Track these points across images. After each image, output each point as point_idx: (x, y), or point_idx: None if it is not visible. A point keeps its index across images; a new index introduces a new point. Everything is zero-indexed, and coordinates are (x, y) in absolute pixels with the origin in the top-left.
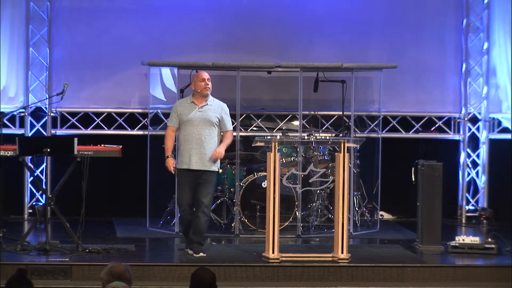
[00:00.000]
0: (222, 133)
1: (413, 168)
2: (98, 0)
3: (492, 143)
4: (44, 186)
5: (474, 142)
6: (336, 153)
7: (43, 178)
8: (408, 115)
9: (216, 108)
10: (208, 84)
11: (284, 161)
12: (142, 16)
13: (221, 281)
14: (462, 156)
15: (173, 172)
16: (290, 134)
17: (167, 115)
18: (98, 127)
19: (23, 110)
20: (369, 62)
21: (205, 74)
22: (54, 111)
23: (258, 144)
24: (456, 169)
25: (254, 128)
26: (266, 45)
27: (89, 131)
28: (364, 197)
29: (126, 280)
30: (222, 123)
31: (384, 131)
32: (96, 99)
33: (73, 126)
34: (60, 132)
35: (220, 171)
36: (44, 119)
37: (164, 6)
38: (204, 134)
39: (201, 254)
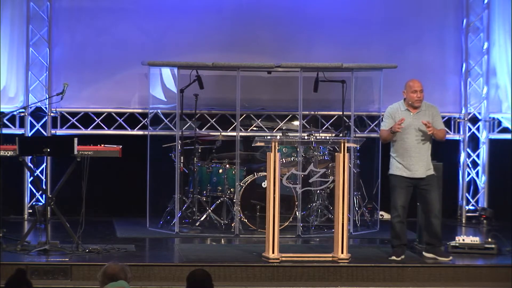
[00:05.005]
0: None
1: None
2: (98, 0)
3: (492, 143)
4: (44, 186)
5: (474, 142)
6: (336, 153)
7: (43, 178)
8: None
9: (428, 113)
10: (420, 97)
11: (284, 161)
12: (142, 16)
13: (221, 281)
14: (462, 156)
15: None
16: (290, 134)
17: (167, 115)
18: (98, 127)
19: (23, 110)
20: (369, 62)
21: (418, 85)
22: (54, 111)
23: (258, 144)
24: (456, 169)
25: (254, 128)
26: (266, 45)
27: (89, 131)
28: (364, 197)
29: (121, 280)
30: (434, 125)
31: None
32: (96, 99)
33: (73, 126)
34: (60, 132)
35: (220, 171)
36: (44, 119)
37: (164, 6)
38: (423, 141)
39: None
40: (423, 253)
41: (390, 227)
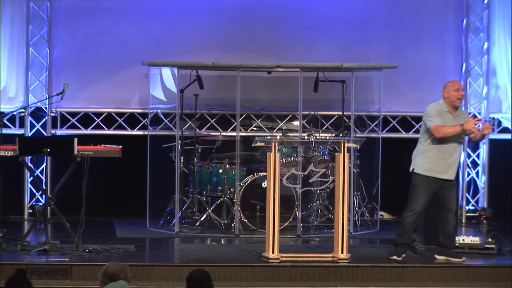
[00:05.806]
0: None
1: None
2: (98, 0)
3: (492, 143)
4: (44, 186)
5: (474, 142)
6: (336, 153)
7: (43, 178)
8: (408, 115)
9: (463, 118)
10: (462, 95)
11: (284, 161)
12: (142, 16)
13: (221, 281)
14: (462, 156)
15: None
16: (290, 134)
17: (167, 115)
18: (98, 127)
19: (23, 110)
20: (369, 62)
21: (459, 84)
22: (54, 111)
23: (258, 144)
24: None
25: (254, 128)
26: (266, 45)
27: (89, 131)
28: (364, 197)
29: (121, 280)
30: None
31: (384, 131)
32: (96, 99)
33: (73, 126)
34: (60, 132)
35: (220, 171)
36: (44, 119)
37: (164, 6)
38: (458, 144)
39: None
40: (435, 255)
41: (400, 222)
